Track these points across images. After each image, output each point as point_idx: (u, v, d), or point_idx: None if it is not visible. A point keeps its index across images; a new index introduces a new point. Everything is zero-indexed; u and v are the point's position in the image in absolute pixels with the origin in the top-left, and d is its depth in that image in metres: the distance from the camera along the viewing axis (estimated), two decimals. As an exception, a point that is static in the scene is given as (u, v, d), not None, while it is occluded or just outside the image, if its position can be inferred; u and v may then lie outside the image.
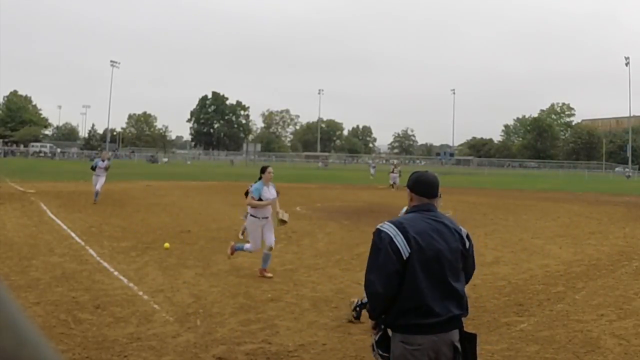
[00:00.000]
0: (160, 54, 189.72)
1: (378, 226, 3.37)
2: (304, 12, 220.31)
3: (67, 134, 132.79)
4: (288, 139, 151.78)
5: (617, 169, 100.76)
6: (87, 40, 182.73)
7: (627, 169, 64.73)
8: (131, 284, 8.15)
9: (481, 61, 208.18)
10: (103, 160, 19.99)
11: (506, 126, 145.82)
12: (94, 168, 19.88)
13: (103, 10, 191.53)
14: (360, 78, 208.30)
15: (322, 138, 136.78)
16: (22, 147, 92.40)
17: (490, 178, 62.58)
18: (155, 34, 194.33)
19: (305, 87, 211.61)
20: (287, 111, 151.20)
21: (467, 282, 3.49)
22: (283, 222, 9.43)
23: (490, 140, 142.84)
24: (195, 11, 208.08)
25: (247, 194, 9.66)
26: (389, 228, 3.24)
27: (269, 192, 9.14)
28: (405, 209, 4.11)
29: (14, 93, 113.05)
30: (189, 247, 11.52)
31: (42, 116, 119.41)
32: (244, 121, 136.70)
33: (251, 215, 9.17)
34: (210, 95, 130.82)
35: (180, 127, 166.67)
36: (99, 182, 19.45)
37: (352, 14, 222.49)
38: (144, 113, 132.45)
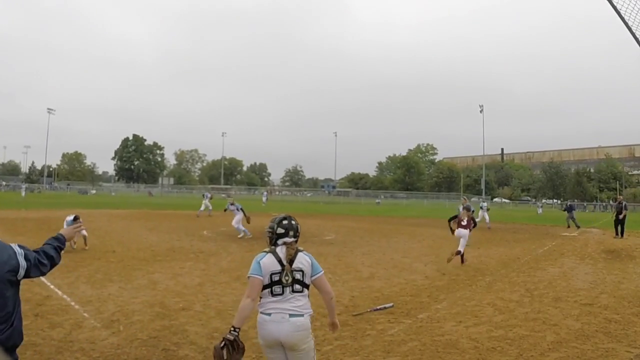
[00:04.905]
0: (87, 102, 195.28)
1: None
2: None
3: (11, 170, 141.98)
4: (196, 174, 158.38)
5: (473, 199, 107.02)
6: (26, 89, 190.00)
7: (540, 205, 67.59)
8: (65, 296, 8.45)
9: (359, 104, 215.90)
10: None
11: (380, 163, 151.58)
12: None
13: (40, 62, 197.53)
14: (258, 122, 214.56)
15: (225, 173, 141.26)
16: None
17: (366, 207, 64.27)
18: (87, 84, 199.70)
19: (212, 128, 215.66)
20: (196, 150, 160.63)
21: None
22: None
23: (367, 175, 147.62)
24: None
25: None
26: None
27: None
28: None
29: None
30: (113, 264, 11.92)
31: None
32: (159, 159, 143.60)
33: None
34: (131, 137, 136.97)
35: (105, 164, 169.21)
36: None
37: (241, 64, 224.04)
38: (76, 152, 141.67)
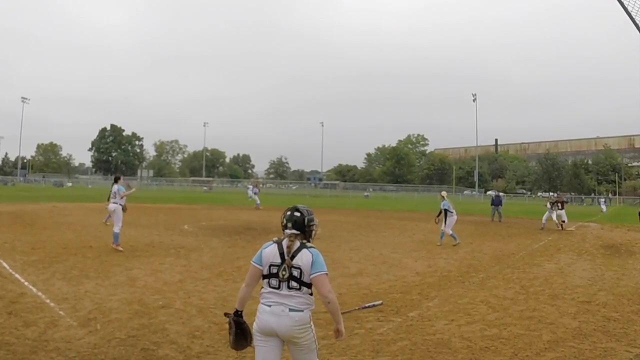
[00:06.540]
0: (63, 92, 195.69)
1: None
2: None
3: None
4: (177, 166, 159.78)
5: (465, 192, 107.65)
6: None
7: (604, 200, 53.68)
8: (40, 293, 8.43)
9: (346, 93, 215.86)
10: None
11: (368, 154, 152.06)
12: None
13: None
14: (241, 112, 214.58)
15: (206, 165, 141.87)
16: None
17: (354, 200, 64.36)
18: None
19: (193, 119, 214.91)
20: (177, 141, 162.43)
21: None
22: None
23: (355, 167, 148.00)
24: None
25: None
26: None
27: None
28: None
29: None
30: (90, 260, 11.93)
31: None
32: (138, 150, 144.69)
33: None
34: (109, 127, 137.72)
35: (82, 155, 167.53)
36: None
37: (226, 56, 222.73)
38: (51, 143, 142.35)
